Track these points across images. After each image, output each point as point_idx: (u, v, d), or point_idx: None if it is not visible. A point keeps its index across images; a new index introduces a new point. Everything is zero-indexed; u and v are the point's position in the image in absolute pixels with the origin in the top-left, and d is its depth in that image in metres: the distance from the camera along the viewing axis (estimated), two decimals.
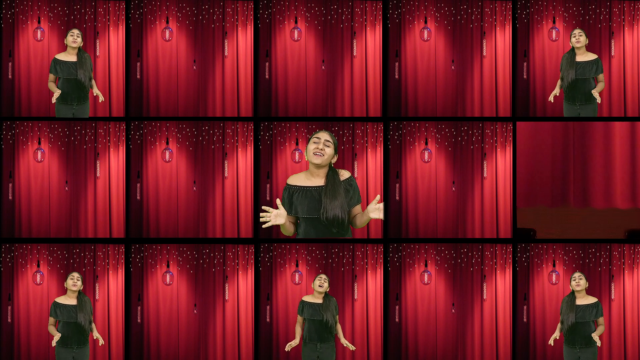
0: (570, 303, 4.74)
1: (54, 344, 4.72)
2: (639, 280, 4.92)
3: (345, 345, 4.77)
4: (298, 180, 4.25)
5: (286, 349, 4.77)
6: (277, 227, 4.88)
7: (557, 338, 4.78)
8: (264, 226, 4.08)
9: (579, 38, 4.87)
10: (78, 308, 4.74)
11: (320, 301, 4.72)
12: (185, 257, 4.94)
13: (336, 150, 4.22)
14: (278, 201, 4.09)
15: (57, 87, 4.90)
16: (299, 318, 4.75)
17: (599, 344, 4.71)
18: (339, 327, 4.77)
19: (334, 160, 4.24)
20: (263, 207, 4.10)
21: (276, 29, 4.99)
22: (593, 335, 4.70)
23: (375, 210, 4.14)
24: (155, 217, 4.95)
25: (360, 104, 4.97)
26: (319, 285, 4.72)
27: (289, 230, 4.22)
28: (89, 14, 4.98)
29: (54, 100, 4.87)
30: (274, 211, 4.08)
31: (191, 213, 4.96)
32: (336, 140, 4.27)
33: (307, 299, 4.75)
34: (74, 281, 4.76)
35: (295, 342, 4.75)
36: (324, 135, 4.21)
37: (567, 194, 5.12)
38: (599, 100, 4.88)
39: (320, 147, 4.19)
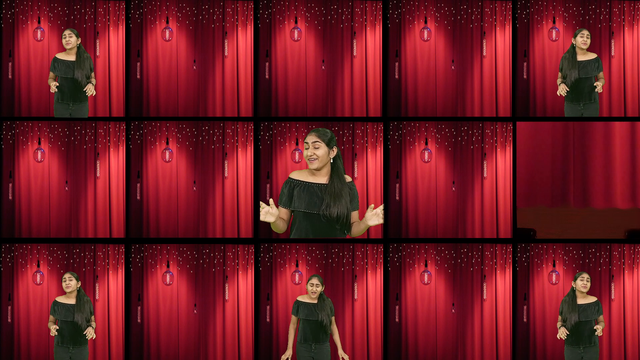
0: (572, 303, 4.74)
1: (52, 333, 4.72)
2: (639, 280, 4.92)
3: (341, 357, 4.76)
4: (301, 175, 4.27)
5: None
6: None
7: (568, 332, 4.72)
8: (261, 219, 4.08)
9: (586, 40, 4.87)
10: (76, 308, 4.74)
11: (315, 302, 4.71)
12: (185, 257, 4.94)
13: (330, 143, 4.18)
14: (271, 201, 4.07)
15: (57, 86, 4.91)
16: (294, 318, 4.73)
17: (599, 333, 4.69)
18: (335, 332, 4.75)
19: (333, 154, 4.21)
20: (261, 202, 4.08)
21: (276, 29, 4.99)
22: (596, 326, 4.70)
23: (374, 217, 4.12)
24: (155, 217, 4.95)
25: (360, 104, 4.97)
26: (312, 292, 4.70)
27: (280, 227, 4.20)
28: (89, 14, 4.98)
29: (52, 90, 4.86)
30: (266, 207, 4.05)
31: (191, 213, 4.96)
32: (327, 132, 4.20)
33: (302, 299, 4.74)
34: (66, 283, 4.74)
35: (288, 354, 4.73)
36: (310, 138, 4.19)
37: (567, 194, 5.12)
38: (600, 89, 4.87)
39: (310, 152, 4.19)
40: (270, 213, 4.04)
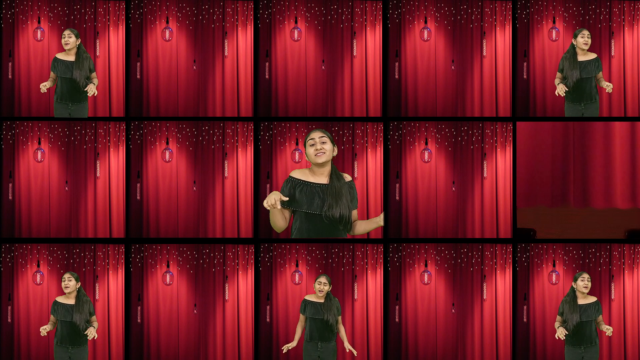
0: (572, 303, 4.74)
1: (42, 334, 4.71)
2: (639, 280, 4.92)
3: (348, 349, 4.77)
4: (302, 175, 4.32)
5: (283, 351, 4.78)
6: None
7: (567, 333, 4.71)
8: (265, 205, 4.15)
9: (587, 40, 4.87)
10: (75, 308, 4.74)
11: (322, 301, 4.72)
12: (185, 257, 4.94)
13: (333, 142, 4.34)
14: (281, 198, 4.17)
15: (57, 86, 4.91)
16: (301, 317, 4.75)
17: (609, 333, 4.68)
18: (342, 329, 4.76)
19: (335, 153, 4.36)
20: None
21: (276, 29, 4.99)
22: (604, 326, 4.69)
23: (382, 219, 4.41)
24: (155, 217, 4.95)
25: (360, 104, 4.97)
26: (319, 290, 4.71)
27: (279, 221, 4.26)
28: (89, 14, 4.98)
29: (42, 89, 4.83)
30: (273, 199, 4.13)
31: (191, 213, 4.96)
32: (329, 133, 4.42)
33: (310, 297, 4.75)
34: (65, 283, 4.74)
35: (292, 344, 4.75)
36: (316, 134, 4.30)
37: (567, 194, 5.12)
38: (609, 89, 4.86)
39: (319, 146, 4.28)
40: (274, 206, 4.10)
